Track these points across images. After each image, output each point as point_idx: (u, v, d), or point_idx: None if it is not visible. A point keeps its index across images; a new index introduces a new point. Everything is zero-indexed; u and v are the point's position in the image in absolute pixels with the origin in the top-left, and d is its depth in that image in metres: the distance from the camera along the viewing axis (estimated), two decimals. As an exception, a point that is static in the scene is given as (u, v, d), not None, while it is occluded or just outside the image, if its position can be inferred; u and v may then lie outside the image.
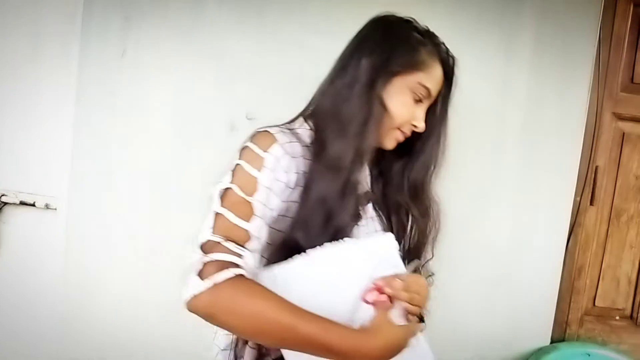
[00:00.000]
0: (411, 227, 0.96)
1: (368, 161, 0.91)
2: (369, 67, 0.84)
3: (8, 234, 1.54)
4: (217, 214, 0.75)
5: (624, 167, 1.66)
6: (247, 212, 0.75)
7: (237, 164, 0.79)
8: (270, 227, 0.79)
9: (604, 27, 1.58)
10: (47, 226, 1.50)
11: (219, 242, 0.72)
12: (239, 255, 0.71)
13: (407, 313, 0.79)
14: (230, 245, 0.72)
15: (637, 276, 1.69)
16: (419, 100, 0.88)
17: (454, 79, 0.93)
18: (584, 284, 1.68)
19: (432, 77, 0.88)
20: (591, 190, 1.64)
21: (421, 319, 0.92)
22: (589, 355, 1.54)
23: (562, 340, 1.67)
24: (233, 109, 1.44)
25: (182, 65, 1.43)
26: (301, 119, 0.91)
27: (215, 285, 0.67)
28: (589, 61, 1.55)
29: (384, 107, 0.85)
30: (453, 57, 0.93)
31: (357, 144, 0.82)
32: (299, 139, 0.84)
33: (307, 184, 0.81)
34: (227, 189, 0.77)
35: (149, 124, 1.43)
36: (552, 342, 1.62)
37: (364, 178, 0.93)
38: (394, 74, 0.85)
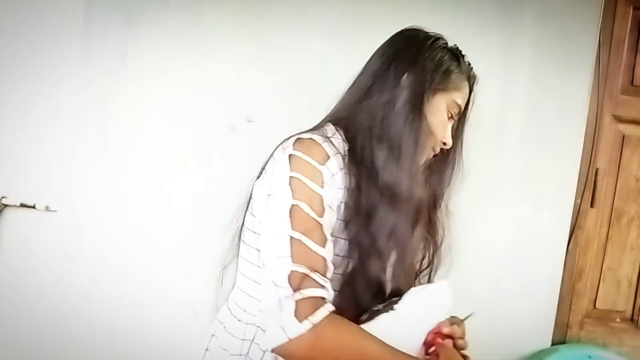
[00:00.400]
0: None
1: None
2: (413, 85, 0.83)
3: (8, 236, 1.54)
4: (292, 239, 0.68)
5: (624, 170, 1.66)
6: (321, 237, 0.70)
7: (295, 177, 0.72)
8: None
9: (604, 30, 1.58)
10: (48, 228, 1.50)
11: (306, 275, 0.67)
12: (325, 288, 0.68)
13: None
14: (317, 277, 0.67)
15: (638, 278, 1.68)
16: (450, 118, 0.90)
17: (473, 95, 0.96)
18: (585, 286, 1.68)
19: (463, 95, 0.91)
20: (591, 193, 1.64)
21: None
22: (590, 357, 1.54)
23: (563, 342, 1.66)
24: (233, 111, 1.44)
25: (182, 68, 1.43)
26: (331, 127, 0.86)
27: (315, 326, 0.64)
28: (589, 64, 1.55)
29: (427, 125, 0.84)
30: (475, 76, 0.96)
31: (411, 165, 0.81)
32: (338, 150, 0.80)
33: (369, 212, 0.76)
34: (294, 205, 0.70)
35: (149, 127, 1.44)
36: (552, 344, 1.62)
37: None
38: (435, 92, 0.86)
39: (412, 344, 0.81)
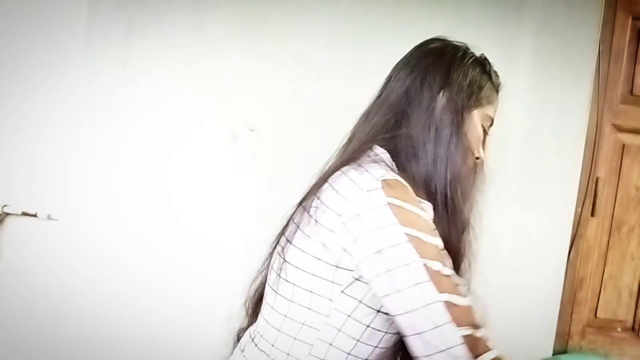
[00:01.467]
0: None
1: None
2: (451, 104, 0.80)
3: (10, 245, 1.54)
4: (445, 303, 0.64)
5: (624, 179, 1.66)
6: (458, 289, 0.67)
7: (408, 234, 0.65)
8: None
9: (604, 40, 1.59)
10: (49, 237, 1.50)
11: (477, 337, 0.64)
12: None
13: None
14: (484, 335, 0.65)
15: (639, 288, 1.68)
16: (484, 132, 0.88)
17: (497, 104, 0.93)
18: (586, 295, 1.68)
19: (494, 107, 0.90)
20: (592, 202, 1.65)
21: None
22: (591, 367, 1.54)
23: (564, 352, 1.66)
24: (234, 120, 1.45)
25: (183, 77, 1.44)
26: (384, 152, 0.80)
27: None
28: (589, 74, 1.56)
29: (468, 145, 0.83)
30: (500, 84, 0.94)
31: (463, 185, 0.81)
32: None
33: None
34: (427, 266, 0.65)
35: (150, 136, 1.44)
36: (554, 354, 1.61)
37: None
38: (471, 109, 0.83)
39: None
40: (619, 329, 1.69)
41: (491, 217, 1.54)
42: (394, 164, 0.78)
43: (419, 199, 0.73)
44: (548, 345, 1.61)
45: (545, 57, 1.53)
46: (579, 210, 1.62)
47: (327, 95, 1.44)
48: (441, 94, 0.81)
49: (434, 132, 0.78)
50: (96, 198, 1.44)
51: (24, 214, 1.51)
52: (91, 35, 1.42)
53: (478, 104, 0.84)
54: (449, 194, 0.77)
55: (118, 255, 1.46)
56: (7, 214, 1.51)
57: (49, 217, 1.50)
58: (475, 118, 0.84)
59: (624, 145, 1.66)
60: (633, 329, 1.69)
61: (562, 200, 1.57)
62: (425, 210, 0.72)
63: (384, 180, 0.69)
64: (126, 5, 1.42)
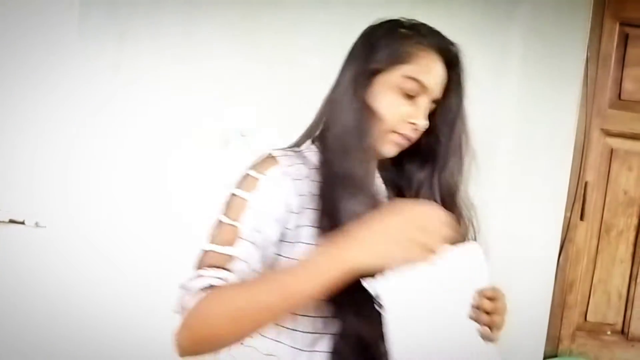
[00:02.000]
0: None
1: (375, 172, 0.84)
2: (351, 73, 0.80)
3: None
4: (204, 251, 0.72)
5: (613, 183, 1.68)
6: (231, 238, 0.71)
7: (232, 193, 0.75)
8: (277, 254, 0.74)
9: (592, 46, 1.60)
10: (37, 244, 1.49)
11: (200, 275, 0.68)
12: (219, 278, 0.68)
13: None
14: (211, 272, 0.68)
15: (628, 291, 1.69)
16: (412, 97, 0.79)
17: (461, 67, 0.84)
18: (576, 299, 1.69)
19: (423, 68, 0.79)
20: (581, 206, 1.66)
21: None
22: (582, 371, 1.55)
23: (555, 356, 1.67)
24: (227, 125, 1.45)
25: (176, 82, 1.44)
26: (308, 142, 0.85)
27: (190, 312, 0.66)
28: (577, 79, 1.57)
29: (370, 111, 0.78)
30: (453, 43, 0.84)
31: (360, 156, 0.77)
32: (305, 161, 0.79)
33: (325, 208, 0.75)
34: (218, 220, 0.74)
35: (142, 141, 1.43)
36: (544, 357, 1.62)
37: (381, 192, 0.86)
38: (373, 73, 0.79)
39: (439, 312, 0.73)
40: (609, 332, 1.70)
41: (481, 221, 1.55)
42: (314, 154, 0.81)
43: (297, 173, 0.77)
44: (539, 349, 1.61)
45: (534, 62, 1.54)
46: (568, 214, 1.63)
47: (319, 101, 1.44)
48: (350, 63, 0.81)
49: (340, 104, 0.80)
50: (85, 205, 1.43)
51: (12, 221, 1.50)
52: (84, 39, 1.41)
53: (389, 63, 0.79)
54: (357, 167, 0.77)
55: (109, 261, 1.45)
56: (-6, 222, 1.50)
57: (36, 225, 1.49)
58: (385, 79, 0.79)
59: (612, 149, 1.67)
60: (623, 332, 1.71)
61: (552, 204, 1.58)
62: (278, 183, 0.76)
63: (260, 155, 0.79)
64: (119, 9, 1.41)
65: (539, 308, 1.60)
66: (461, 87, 0.84)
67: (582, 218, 1.66)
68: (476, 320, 0.73)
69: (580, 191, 1.65)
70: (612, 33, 1.65)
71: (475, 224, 0.93)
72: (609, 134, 1.67)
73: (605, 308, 1.69)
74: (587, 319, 1.69)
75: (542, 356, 1.61)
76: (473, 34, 1.52)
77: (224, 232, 0.72)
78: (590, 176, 1.66)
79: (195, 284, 0.68)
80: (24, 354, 1.50)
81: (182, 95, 1.44)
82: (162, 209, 1.43)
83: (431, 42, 0.81)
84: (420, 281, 0.69)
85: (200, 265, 0.71)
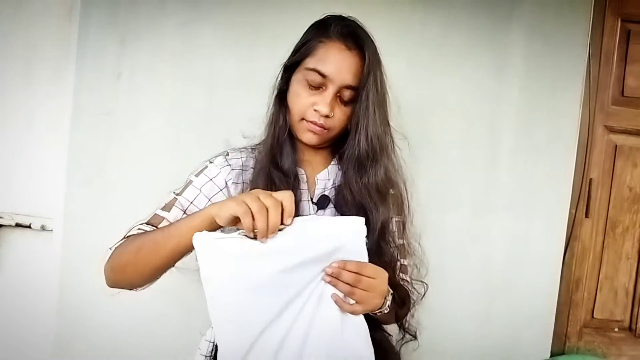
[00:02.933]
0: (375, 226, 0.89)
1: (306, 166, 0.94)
2: (278, 76, 0.94)
3: (4, 256, 1.53)
4: (153, 214, 0.91)
5: (617, 179, 1.67)
6: (171, 206, 0.90)
7: (191, 179, 0.93)
8: None
9: (593, 43, 1.61)
10: (43, 248, 1.49)
11: (137, 227, 0.88)
12: (140, 229, 0.87)
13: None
14: (142, 226, 0.88)
15: (635, 287, 1.69)
16: (316, 88, 0.85)
17: (371, 53, 0.86)
18: (582, 296, 1.68)
19: (322, 59, 0.84)
20: (586, 203, 1.66)
21: (414, 336, 0.95)
22: (589, 368, 1.54)
23: (562, 353, 1.66)
24: (228, 129, 1.45)
25: (177, 87, 1.44)
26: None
27: (113, 252, 0.86)
28: (580, 76, 1.57)
29: (282, 105, 0.91)
30: (355, 27, 0.88)
31: (268, 150, 0.90)
32: (256, 155, 0.94)
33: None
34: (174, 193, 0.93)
35: (144, 146, 1.44)
36: (551, 355, 1.61)
37: (324, 184, 0.94)
38: (289, 71, 0.90)
39: (302, 273, 0.73)
40: (616, 329, 1.70)
41: (486, 220, 1.55)
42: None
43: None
44: (546, 346, 1.61)
45: (536, 61, 1.54)
46: (573, 211, 1.63)
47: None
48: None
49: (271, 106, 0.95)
50: (90, 208, 1.43)
51: (18, 225, 1.50)
52: (84, 46, 1.41)
53: (296, 59, 0.89)
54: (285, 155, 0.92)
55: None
56: (1, 226, 1.51)
57: (42, 228, 1.50)
58: (297, 75, 0.89)
59: (616, 146, 1.67)
60: (630, 328, 1.70)
61: (556, 202, 1.58)
62: (219, 168, 0.94)
63: (220, 153, 0.97)
64: (119, 16, 1.42)
65: (546, 306, 1.60)
66: (372, 72, 0.86)
67: (587, 215, 1.66)
68: (335, 286, 0.75)
69: (585, 188, 1.65)
70: (614, 30, 1.65)
71: (406, 201, 0.98)
72: (612, 130, 1.67)
73: (612, 305, 1.69)
74: (594, 316, 1.69)
75: (549, 354, 1.61)
76: (474, 34, 1.52)
77: (169, 202, 0.91)
78: (594, 173, 1.66)
79: (128, 234, 0.88)
80: (29, 357, 1.51)
81: (183, 97, 1.44)
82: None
83: (334, 33, 0.86)
84: (256, 247, 0.71)
85: (146, 222, 0.90)
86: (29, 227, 1.50)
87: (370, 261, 0.78)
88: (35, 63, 1.51)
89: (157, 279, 0.86)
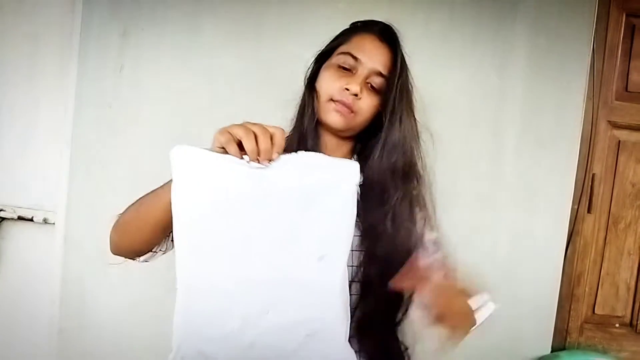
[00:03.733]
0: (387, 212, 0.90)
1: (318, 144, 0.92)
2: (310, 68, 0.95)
3: (6, 249, 1.53)
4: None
5: (620, 175, 1.67)
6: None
7: None
8: None
9: (598, 37, 1.60)
10: (45, 241, 1.49)
11: None
12: None
13: None
14: None
15: (636, 283, 1.69)
16: (348, 70, 0.88)
17: (399, 46, 0.93)
18: (583, 291, 1.68)
19: (356, 45, 0.89)
20: (588, 198, 1.65)
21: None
22: (590, 363, 1.55)
23: (563, 348, 1.66)
24: (231, 121, 1.44)
25: (179, 80, 1.43)
26: None
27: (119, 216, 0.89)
28: (584, 71, 1.56)
29: (313, 90, 0.91)
30: (389, 26, 0.94)
31: (299, 134, 0.91)
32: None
33: None
34: None
35: (146, 139, 1.44)
36: (552, 350, 1.61)
37: None
38: (321, 62, 0.93)
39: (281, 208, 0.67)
40: (617, 325, 1.70)
41: (488, 215, 1.55)
42: None
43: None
44: (546, 341, 1.61)
45: (540, 55, 1.53)
46: (576, 207, 1.63)
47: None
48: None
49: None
50: (92, 201, 1.43)
51: (20, 218, 1.50)
52: (86, 39, 1.41)
53: (331, 49, 0.92)
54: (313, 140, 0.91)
55: (116, 258, 1.45)
56: (3, 219, 1.51)
57: (45, 221, 1.50)
58: (329, 62, 0.91)
59: (619, 141, 1.67)
60: (631, 324, 1.70)
61: (559, 197, 1.58)
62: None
63: None
64: (121, 8, 1.41)
65: (547, 301, 1.60)
66: (399, 62, 0.91)
67: (589, 210, 1.66)
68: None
69: (588, 183, 1.65)
70: (619, 24, 1.64)
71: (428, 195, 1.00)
72: (616, 126, 1.66)
73: (613, 300, 1.69)
74: (595, 311, 1.69)
75: (549, 349, 1.61)
76: (478, 29, 1.51)
77: None
78: (597, 168, 1.66)
79: None
80: (32, 351, 1.51)
81: (186, 89, 1.44)
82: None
83: (371, 28, 0.92)
84: (238, 165, 0.67)
85: None
86: (31, 220, 1.50)
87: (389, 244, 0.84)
88: (38, 56, 1.50)
89: (157, 242, 0.86)
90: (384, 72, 0.89)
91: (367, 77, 0.88)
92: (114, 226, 0.89)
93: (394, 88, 0.89)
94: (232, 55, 1.43)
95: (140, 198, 0.86)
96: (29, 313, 1.53)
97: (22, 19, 1.50)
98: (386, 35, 0.92)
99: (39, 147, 1.51)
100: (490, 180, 1.55)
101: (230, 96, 1.44)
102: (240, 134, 0.69)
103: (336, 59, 0.90)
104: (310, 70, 0.96)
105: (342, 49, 0.90)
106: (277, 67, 1.44)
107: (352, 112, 0.88)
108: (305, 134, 0.91)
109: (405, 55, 0.94)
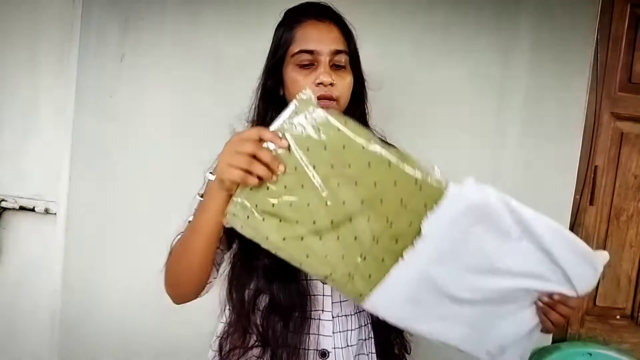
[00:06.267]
0: None
1: None
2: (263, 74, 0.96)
3: (8, 239, 1.54)
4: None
5: (622, 167, 1.66)
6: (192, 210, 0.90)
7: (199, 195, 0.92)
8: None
9: (602, 28, 1.58)
10: (47, 231, 1.50)
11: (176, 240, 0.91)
12: None
13: None
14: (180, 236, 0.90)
15: (638, 275, 1.69)
16: (310, 64, 0.88)
17: (341, 19, 0.93)
18: (585, 283, 1.68)
19: (303, 40, 0.88)
20: (590, 190, 1.65)
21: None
22: (591, 355, 1.55)
23: (564, 340, 1.67)
24: (232, 112, 1.43)
25: (180, 69, 1.43)
26: None
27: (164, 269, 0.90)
28: (587, 62, 1.55)
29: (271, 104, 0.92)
30: (318, 3, 0.93)
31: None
32: None
33: None
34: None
35: (148, 129, 1.43)
36: (553, 342, 1.62)
37: None
38: (274, 72, 0.92)
39: None
40: (618, 317, 1.70)
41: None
42: None
43: None
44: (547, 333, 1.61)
45: (544, 46, 1.52)
46: (578, 198, 1.62)
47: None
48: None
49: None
50: (94, 191, 1.43)
51: (22, 208, 1.50)
52: (87, 29, 1.40)
53: (281, 54, 0.91)
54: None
55: (117, 248, 1.46)
56: (5, 209, 1.51)
57: (46, 211, 1.50)
58: (286, 66, 0.90)
59: (622, 133, 1.66)
60: (632, 316, 1.70)
61: (561, 188, 1.57)
62: None
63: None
64: (121, -1, 1.40)
65: (548, 292, 1.60)
66: (346, 35, 0.92)
67: (591, 202, 1.65)
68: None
69: (590, 175, 1.64)
70: (623, 15, 1.62)
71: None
72: (619, 117, 1.65)
73: (614, 292, 1.69)
74: (596, 303, 1.69)
75: (550, 340, 1.61)
76: (481, 19, 1.50)
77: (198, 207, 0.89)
78: (600, 160, 1.65)
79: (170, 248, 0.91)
80: (33, 341, 1.52)
81: (187, 79, 1.43)
82: (167, 196, 1.43)
83: (302, 15, 0.91)
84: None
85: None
86: (33, 210, 1.50)
87: None
88: (39, 46, 1.50)
89: (208, 272, 0.87)
90: (342, 47, 0.89)
91: (330, 62, 0.88)
92: (165, 283, 0.89)
93: (357, 55, 0.93)
94: (232, 43, 1.43)
95: (176, 244, 0.88)
96: (30, 304, 1.53)
97: (22, 8, 1.49)
98: (322, 13, 0.91)
99: (40, 137, 1.51)
100: (492, 171, 1.55)
101: (231, 84, 1.43)
102: (244, 165, 0.71)
103: (291, 61, 0.89)
104: (263, 86, 0.96)
105: (292, 49, 0.89)
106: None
107: (333, 100, 0.88)
108: None
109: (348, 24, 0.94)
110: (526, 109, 1.53)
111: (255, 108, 0.98)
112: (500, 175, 1.55)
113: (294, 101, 0.73)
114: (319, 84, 0.86)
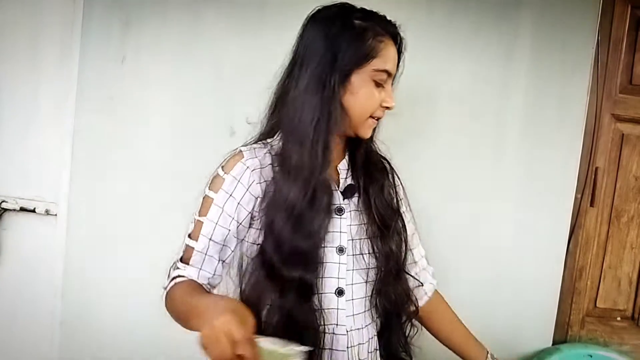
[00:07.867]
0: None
1: (334, 160, 0.91)
2: (318, 75, 0.85)
3: (8, 240, 1.54)
4: (184, 245, 0.91)
5: (623, 168, 1.66)
6: (197, 233, 0.88)
7: (204, 194, 0.90)
8: (247, 241, 0.90)
9: (602, 29, 1.58)
10: (48, 232, 1.49)
11: (176, 267, 0.89)
12: (180, 276, 0.87)
13: None
14: (180, 265, 0.89)
15: (638, 277, 1.69)
16: (380, 85, 0.89)
17: (403, 44, 0.94)
18: (585, 285, 1.68)
19: (387, 58, 0.88)
20: (591, 192, 1.65)
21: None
22: (591, 356, 1.55)
23: (564, 341, 1.66)
24: (233, 113, 1.44)
25: (181, 70, 1.43)
26: (280, 132, 0.94)
27: (167, 293, 0.87)
28: (588, 63, 1.55)
29: (343, 109, 0.87)
30: (396, 25, 0.93)
31: (317, 151, 0.84)
32: (270, 150, 0.91)
33: (273, 192, 0.86)
34: (194, 217, 0.91)
35: (149, 130, 1.43)
36: (553, 343, 1.62)
37: (345, 174, 0.96)
38: (348, 73, 0.86)
39: None
40: (619, 318, 1.70)
41: (491, 207, 1.55)
42: (279, 142, 0.91)
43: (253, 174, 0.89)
44: (548, 335, 1.61)
45: (544, 47, 1.52)
46: (578, 200, 1.62)
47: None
48: (314, 61, 0.86)
49: (303, 101, 0.86)
50: (94, 192, 1.43)
51: (22, 209, 1.50)
52: (88, 29, 1.40)
53: (362, 62, 0.86)
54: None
55: (118, 249, 1.45)
56: (5, 210, 1.51)
57: (47, 212, 1.50)
58: (360, 76, 0.87)
59: (623, 134, 1.66)
60: (633, 318, 1.70)
61: (562, 190, 1.57)
62: (239, 177, 0.89)
63: (233, 150, 0.93)
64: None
65: (548, 294, 1.60)
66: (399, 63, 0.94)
67: (592, 204, 1.65)
68: None
69: (591, 177, 1.64)
70: (624, 16, 1.62)
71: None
72: (619, 119, 1.65)
73: (615, 294, 1.69)
74: (597, 305, 1.69)
75: (551, 342, 1.61)
76: (481, 19, 1.50)
77: (195, 228, 0.89)
78: (600, 162, 1.65)
79: (172, 274, 0.89)
80: (33, 342, 1.52)
81: (188, 81, 1.43)
82: (167, 197, 1.43)
83: (386, 31, 0.89)
84: None
85: (181, 258, 0.90)
86: (33, 211, 1.50)
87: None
88: (40, 46, 1.50)
89: None
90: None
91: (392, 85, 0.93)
92: (167, 310, 0.88)
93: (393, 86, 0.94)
94: (234, 44, 1.43)
95: (175, 304, 0.85)
96: (30, 305, 1.53)
97: (23, 8, 1.49)
98: (397, 37, 0.93)
99: (40, 138, 1.51)
100: (492, 173, 1.55)
101: (232, 87, 1.43)
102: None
103: (371, 74, 0.87)
104: (335, 83, 0.86)
105: (377, 64, 0.87)
106: (280, 55, 1.43)
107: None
108: (330, 148, 0.87)
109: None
110: (526, 110, 1.53)
111: (283, 107, 0.91)
112: (500, 177, 1.55)
113: (302, 348, 0.70)
114: (385, 106, 0.90)
